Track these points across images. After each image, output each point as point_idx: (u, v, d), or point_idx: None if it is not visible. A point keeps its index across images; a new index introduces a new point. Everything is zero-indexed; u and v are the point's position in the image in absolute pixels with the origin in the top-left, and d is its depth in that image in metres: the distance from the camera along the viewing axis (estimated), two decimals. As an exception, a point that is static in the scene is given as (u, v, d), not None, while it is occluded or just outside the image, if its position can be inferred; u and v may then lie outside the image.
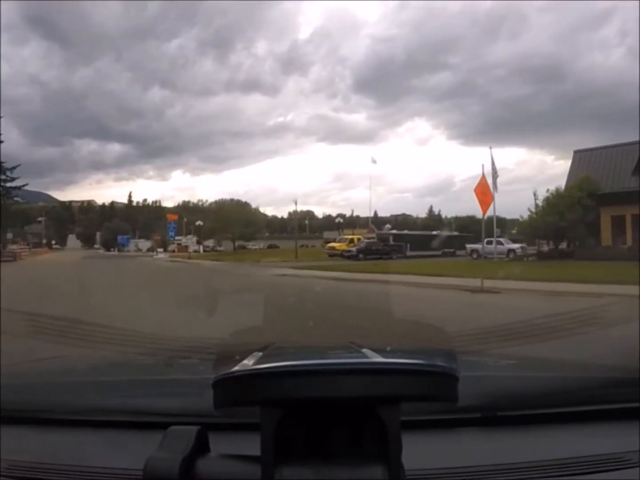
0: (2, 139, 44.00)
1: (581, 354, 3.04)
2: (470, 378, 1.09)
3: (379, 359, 0.80)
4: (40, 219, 70.90)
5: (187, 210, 67.98)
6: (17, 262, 29.93)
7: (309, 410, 0.62)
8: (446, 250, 32.86)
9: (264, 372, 0.62)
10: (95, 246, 71.49)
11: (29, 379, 1.38)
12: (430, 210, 75.72)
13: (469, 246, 29.44)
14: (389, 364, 0.65)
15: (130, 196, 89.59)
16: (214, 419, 0.85)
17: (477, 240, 26.22)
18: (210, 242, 54.36)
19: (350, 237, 38.38)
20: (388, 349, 1.53)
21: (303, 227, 65.25)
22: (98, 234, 73.18)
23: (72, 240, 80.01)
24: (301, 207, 77.51)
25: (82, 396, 1.13)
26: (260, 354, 1.04)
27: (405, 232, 41.15)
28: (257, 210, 53.65)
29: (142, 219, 75.16)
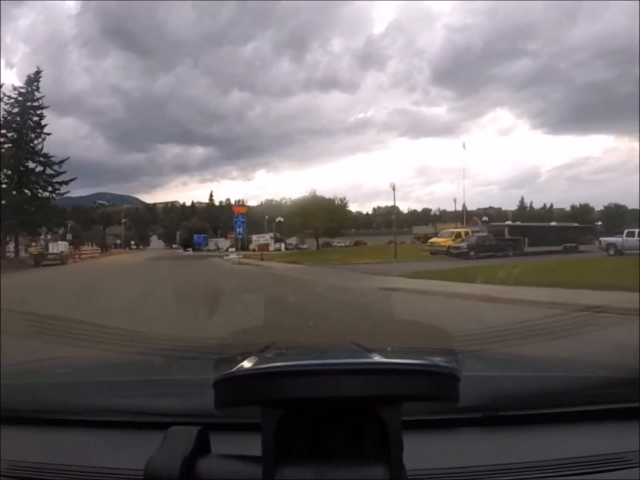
0: (57, 137, 44.01)
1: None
2: (471, 378, 1.09)
3: (380, 359, 0.80)
4: (123, 220, 70.60)
5: (269, 208, 64.31)
6: (65, 266, 27.08)
7: (310, 410, 0.62)
8: (568, 245, 27.15)
9: (264, 372, 0.62)
10: (174, 246, 69.34)
11: (29, 379, 1.38)
12: (522, 202, 71.87)
13: (604, 240, 24.23)
14: (389, 364, 0.65)
15: (211, 195, 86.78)
16: (214, 419, 0.85)
17: (606, 232, 24.11)
18: (293, 240, 51.82)
19: (456, 230, 32.14)
20: (389, 349, 1.53)
21: (389, 222, 62.03)
22: (178, 234, 71.36)
23: (155, 241, 79.70)
24: (385, 203, 76.42)
25: (82, 396, 1.13)
26: (261, 354, 1.04)
27: (523, 224, 35.13)
28: (344, 203, 49.48)
29: (224, 218, 70.66)
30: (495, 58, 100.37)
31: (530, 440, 0.94)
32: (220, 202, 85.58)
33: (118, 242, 64.57)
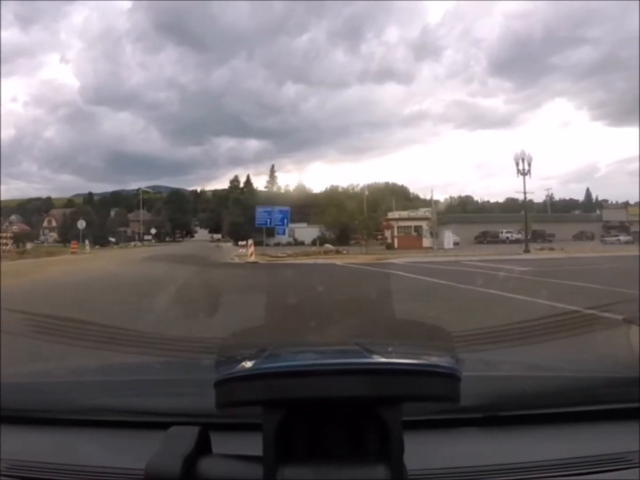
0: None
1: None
2: (471, 378, 1.09)
3: (381, 360, 0.80)
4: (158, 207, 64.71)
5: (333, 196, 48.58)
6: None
7: (311, 410, 0.62)
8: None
9: (266, 372, 0.62)
10: (215, 236, 59.69)
11: (29, 379, 1.38)
12: (588, 193, 71.73)
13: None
14: (390, 364, 0.65)
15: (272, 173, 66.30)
16: (215, 419, 0.85)
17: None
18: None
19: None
20: (390, 349, 1.53)
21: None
22: (225, 221, 58.98)
23: (201, 231, 72.78)
24: (442, 196, 72.48)
25: (82, 396, 1.13)
26: (262, 354, 1.04)
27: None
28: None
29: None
30: (556, 46, 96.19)
31: (531, 440, 0.94)
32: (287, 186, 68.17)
33: (136, 231, 56.22)
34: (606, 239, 37.62)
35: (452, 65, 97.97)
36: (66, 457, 0.90)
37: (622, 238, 36.70)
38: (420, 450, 0.82)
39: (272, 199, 43.51)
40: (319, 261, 20.08)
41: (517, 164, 28.37)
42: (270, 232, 33.45)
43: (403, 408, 0.62)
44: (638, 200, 52.02)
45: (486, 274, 12.82)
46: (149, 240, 54.14)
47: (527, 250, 26.06)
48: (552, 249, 26.80)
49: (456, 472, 0.83)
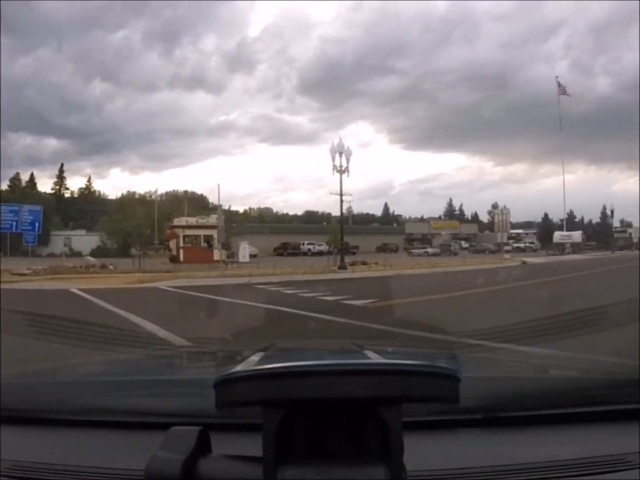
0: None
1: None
2: (471, 379, 1.09)
3: (381, 360, 0.81)
4: None
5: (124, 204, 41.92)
6: None
7: (311, 410, 0.62)
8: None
9: (266, 372, 0.62)
10: None
11: (29, 379, 1.38)
12: (386, 208, 71.96)
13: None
14: (390, 364, 0.65)
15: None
16: (215, 419, 0.85)
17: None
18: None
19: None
20: (390, 349, 1.53)
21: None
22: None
23: None
24: (242, 207, 70.81)
25: (82, 396, 1.13)
26: (262, 354, 1.04)
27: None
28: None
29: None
30: (365, 73, 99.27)
31: (530, 441, 0.94)
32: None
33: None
34: (412, 251, 37.53)
35: (264, 80, 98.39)
36: (66, 457, 0.90)
37: (430, 250, 36.78)
38: (420, 451, 0.82)
39: (47, 201, 36.91)
40: (52, 285, 14.13)
41: (333, 159, 23.30)
42: (44, 240, 27.00)
43: (403, 409, 0.62)
44: (439, 215, 58.11)
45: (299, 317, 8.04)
46: None
47: (342, 267, 20.88)
48: (365, 263, 23.22)
49: (456, 473, 0.83)
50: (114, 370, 1.60)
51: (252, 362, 0.81)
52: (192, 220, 30.44)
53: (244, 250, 27.31)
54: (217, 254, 24.46)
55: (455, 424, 0.97)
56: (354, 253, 32.38)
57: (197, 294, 12.05)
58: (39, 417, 1.04)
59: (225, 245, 25.32)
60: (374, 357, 0.93)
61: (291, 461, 0.61)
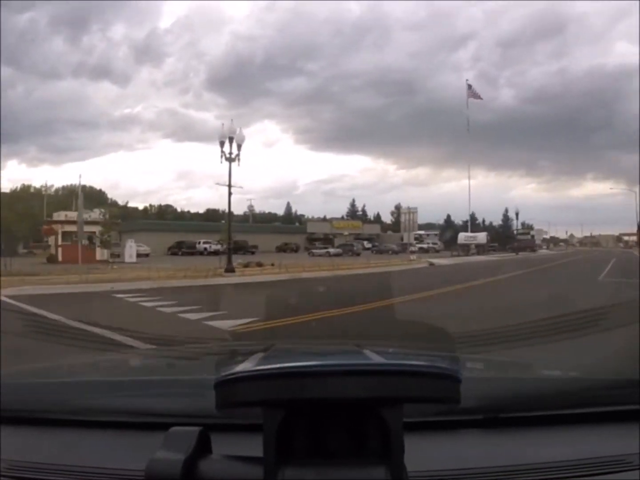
0: None
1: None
2: (472, 380, 1.09)
3: (382, 361, 0.80)
4: None
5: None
6: None
7: (311, 410, 0.62)
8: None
9: (266, 373, 0.62)
10: None
11: (29, 379, 1.37)
12: (288, 207, 70.46)
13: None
14: (391, 365, 0.65)
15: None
16: (215, 419, 0.85)
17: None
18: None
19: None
20: (390, 350, 1.53)
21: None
22: None
23: None
24: (142, 204, 67.55)
25: (82, 396, 1.13)
26: (262, 354, 1.04)
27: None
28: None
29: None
30: (274, 73, 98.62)
31: (531, 442, 0.94)
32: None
33: None
34: (314, 251, 36.27)
35: (172, 73, 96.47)
36: (66, 457, 0.90)
37: (332, 250, 35.73)
38: (421, 452, 0.81)
39: None
40: None
41: (222, 145, 19.72)
42: None
43: (403, 409, 0.62)
44: (342, 216, 58.09)
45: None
46: None
47: (229, 269, 18.30)
48: (260, 265, 20.87)
49: (456, 474, 0.83)
50: (114, 371, 1.59)
51: (253, 363, 0.80)
52: (73, 215, 25.74)
53: (131, 249, 25.59)
54: (100, 253, 23.38)
55: (456, 424, 0.97)
56: (252, 253, 31.67)
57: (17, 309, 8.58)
58: (39, 417, 1.04)
59: (106, 244, 23.56)
60: (374, 358, 0.93)
61: (292, 462, 0.61)
